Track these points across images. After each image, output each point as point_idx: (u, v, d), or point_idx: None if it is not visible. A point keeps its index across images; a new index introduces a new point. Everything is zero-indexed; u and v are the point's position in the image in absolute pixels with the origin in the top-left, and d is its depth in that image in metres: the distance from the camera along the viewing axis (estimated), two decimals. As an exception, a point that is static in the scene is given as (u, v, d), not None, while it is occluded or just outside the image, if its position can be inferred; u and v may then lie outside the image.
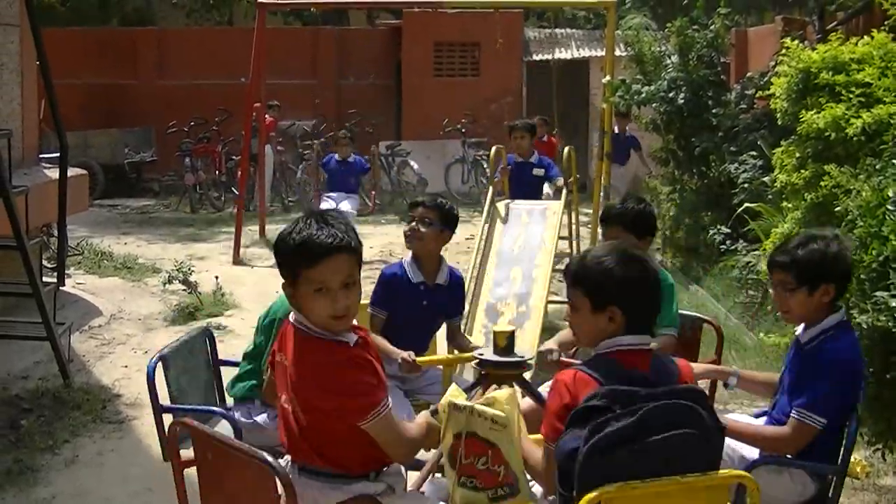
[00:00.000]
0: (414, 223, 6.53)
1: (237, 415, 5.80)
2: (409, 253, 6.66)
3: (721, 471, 3.86)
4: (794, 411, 4.77)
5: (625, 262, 4.05)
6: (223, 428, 5.41)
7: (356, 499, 4.10)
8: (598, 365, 3.97)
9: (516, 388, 4.55)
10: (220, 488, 4.09)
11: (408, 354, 5.94)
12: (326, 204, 15.39)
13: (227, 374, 6.19)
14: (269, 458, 3.69)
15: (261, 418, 5.81)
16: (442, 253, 6.70)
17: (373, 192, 18.51)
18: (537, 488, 4.27)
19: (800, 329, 5.08)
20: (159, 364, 5.51)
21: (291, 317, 4.16)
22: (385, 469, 4.22)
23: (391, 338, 6.23)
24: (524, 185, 12.35)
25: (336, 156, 16.13)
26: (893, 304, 5.68)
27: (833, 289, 4.88)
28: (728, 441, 4.77)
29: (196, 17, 30.61)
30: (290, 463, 4.16)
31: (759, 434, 4.96)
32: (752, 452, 4.95)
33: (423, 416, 4.38)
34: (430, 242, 6.53)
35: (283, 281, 4.08)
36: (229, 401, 6.10)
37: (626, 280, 4.02)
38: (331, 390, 3.96)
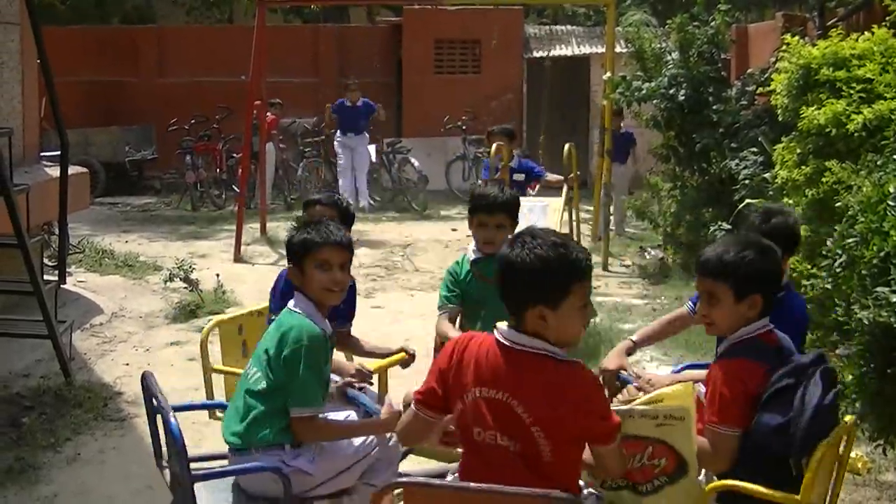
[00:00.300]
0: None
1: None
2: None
3: None
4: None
5: (764, 253, 4.48)
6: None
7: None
8: (750, 349, 4.37)
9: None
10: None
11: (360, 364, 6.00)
12: (341, 149, 20.09)
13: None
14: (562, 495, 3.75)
15: (300, 464, 4.80)
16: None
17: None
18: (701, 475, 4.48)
19: None
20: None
21: (517, 340, 3.93)
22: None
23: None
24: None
25: (347, 101, 19.78)
26: (894, 300, 5.68)
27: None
28: None
29: (196, 14, 30.63)
30: None
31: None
32: None
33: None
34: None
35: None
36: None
37: (767, 270, 4.45)
38: (582, 416, 3.85)
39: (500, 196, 6.29)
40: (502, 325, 3.96)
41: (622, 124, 17.10)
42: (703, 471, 4.45)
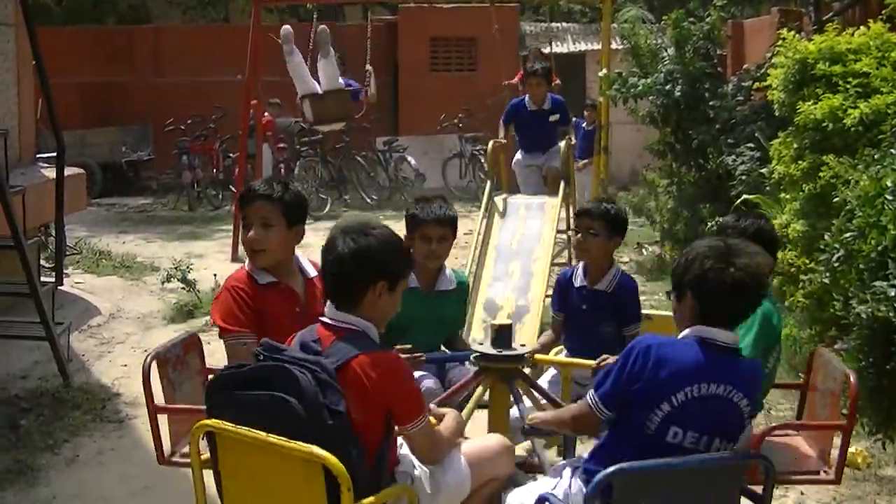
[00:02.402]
0: (580, 235, 6.39)
1: None
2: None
3: (302, 445, 3.77)
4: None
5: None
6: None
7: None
8: (308, 328, 4.36)
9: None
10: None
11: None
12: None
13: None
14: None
15: None
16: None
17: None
18: None
19: None
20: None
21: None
22: None
23: (564, 339, 6.45)
24: (539, 133, 12.51)
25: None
26: (892, 294, 5.68)
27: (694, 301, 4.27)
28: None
29: (192, 14, 30.63)
30: None
31: (568, 415, 4.54)
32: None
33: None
34: (595, 252, 6.39)
35: None
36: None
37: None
38: (218, 310, 5.17)
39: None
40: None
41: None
42: None
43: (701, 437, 4.15)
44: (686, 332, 4.27)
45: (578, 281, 6.41)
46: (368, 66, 19.00)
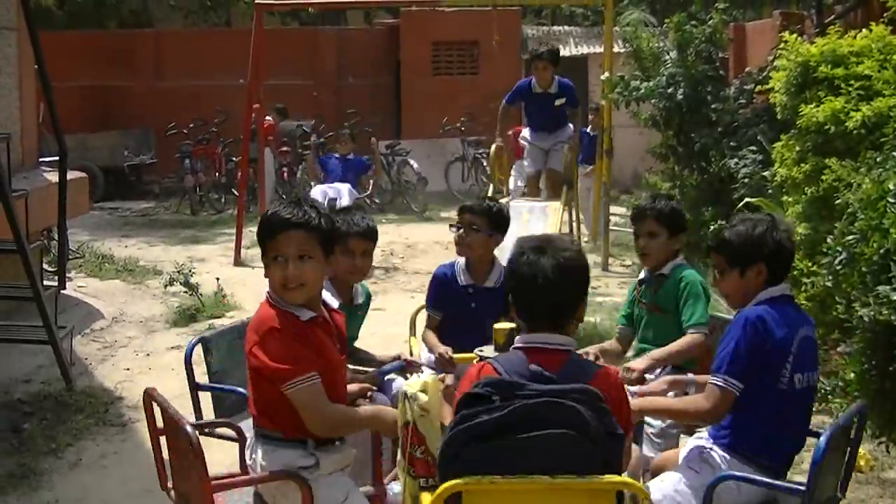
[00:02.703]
0: (462, 230, 6.46)
1: None
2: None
3: (606, 476, 3.63)
4: (710, 377, 4.66)
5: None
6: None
7: (279, 473, 4.33)
8: (505, 359, 3.99)
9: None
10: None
11: (445, 350, 6.03)
12: (321, 192, 15.24)
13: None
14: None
15: None
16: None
17: (371, 191, 18.87)
18: None
19: None
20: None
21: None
22: (334, 444, 4.48)
23: (447, 338, 6.28)
24: (545, 116, 12.86)
25: (336, 154, 16.19)
26: (895, 298, 5.67)
27: (765, 268, 4.76)
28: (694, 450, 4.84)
29: (194, 18, 30.63)
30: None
31: (673, 408, 4.95)
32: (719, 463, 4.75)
33: (374, 407, 4.79)
34: (477, 248, 6.47)
35: None
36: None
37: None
38: (270, 355, 4.29)
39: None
40: None
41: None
42: None
43: (812, 374, 4.75)
44: (763, 295, 4.76)
45: (463, 279, 6.44)
46: (373, 140, 18.56)
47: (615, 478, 3.66)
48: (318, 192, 15.06)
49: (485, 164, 19.86)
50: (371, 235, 6.00)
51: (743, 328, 4.59)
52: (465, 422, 3.67)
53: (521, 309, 4.00)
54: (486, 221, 6.40)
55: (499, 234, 6.51)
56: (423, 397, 4.19)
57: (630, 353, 6.18)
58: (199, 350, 5.79)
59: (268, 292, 4.47)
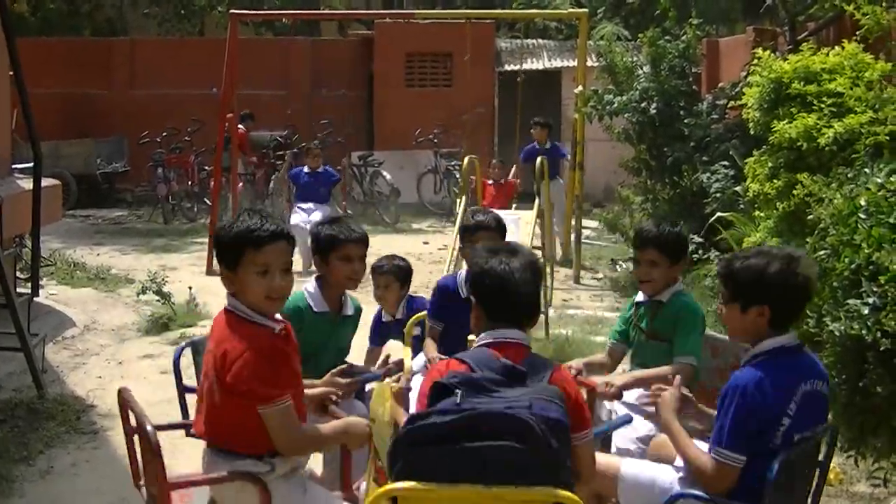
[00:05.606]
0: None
1: None
2: (464, 266, 6.60)
3: (538, 487, 3.64)
4: (712, 451, 4.46)
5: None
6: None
7: (236, 474, 4.35)
8: (472, 354, 4.09)
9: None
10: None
11: (434, 357, 6.10)
12: (298, 215, 15.73)
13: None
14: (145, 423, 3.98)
15: None
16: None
17: (344, 203, 18.77)
18: None
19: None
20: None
21: (226, 303, 4.54)
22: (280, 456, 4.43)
23: (447, 348, 6.25)
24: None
25: (306, 168, 16.44)
26: (866, 312, 5.73)
27: (768, 311, 4.50)
28: (656, 467, 4.86)
29: (168, 27, 30.58)
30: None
31: (691, 459, 4.62)
32: (674, 483, 4.75)
33: (344, 420, 4.69)
34: None
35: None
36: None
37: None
38: (245, 374, 4.23)
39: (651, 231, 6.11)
40: None
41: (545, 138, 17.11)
42: None
43: (816, 428, 4.52)
44: (765, 345, 4.51)
45: (464, 291, 6.36)
46: (343, 160, 20.05)
47: (549, 490, 3.64)
48: (300, 219, 15.49)
49: (457, 176, 19.90)
50: (366, 241, 6.01)
51: (742, 396, 4.35)
52: (415, 422, 3.75)
53: (491, 305, 4.19)
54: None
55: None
56: (375, 407, 4.23)
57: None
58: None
59: (233, 304, 4.52)
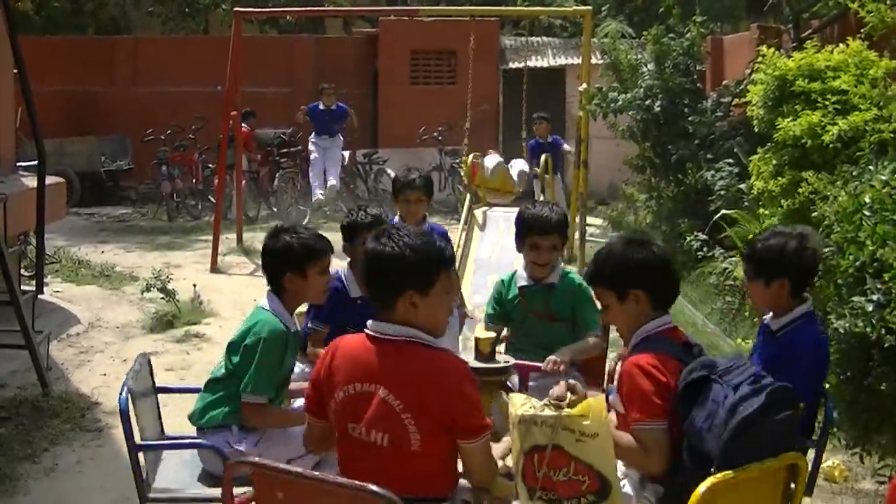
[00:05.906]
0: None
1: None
2: (345, 265, 6.62)
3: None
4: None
5: (632, 245, 4.64)
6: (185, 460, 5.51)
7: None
8: (657, 343, 4.41)
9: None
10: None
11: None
12: (314, 147, 19.84)
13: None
14: (377, 489, 3.58)
15: (243, 447, 5.23)
16: None
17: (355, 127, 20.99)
18: (628, 487, 4.43)
19: (768, 316, 5.27)
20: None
21: (385, 331, 4.08)
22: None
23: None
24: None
25: (321, 104, 19.71)
26: (870, 310, 5.72)
27: (788, 283, 5.08)
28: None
29: (172, 25, 30.53)
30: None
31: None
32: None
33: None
34: None
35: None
36: (185, 430, 5.69)
37: (640, 263, 4.58)
38: (452, 405, 3.97)
39: (553, 217, 6.25)
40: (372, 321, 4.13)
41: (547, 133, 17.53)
42: (628, 484, 4.48)
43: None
44: (800, 310, 5.11)
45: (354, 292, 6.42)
46: (352, 112, 20.76)
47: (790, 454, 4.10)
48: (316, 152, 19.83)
49: (461, 173, 19.87)
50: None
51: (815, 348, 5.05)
52: (735, 413, 4.00)
53: (658, 292, 4.61)
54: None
55: None
56: (584, 423, 4.03)
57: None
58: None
59: (416, 336, 4.07)
